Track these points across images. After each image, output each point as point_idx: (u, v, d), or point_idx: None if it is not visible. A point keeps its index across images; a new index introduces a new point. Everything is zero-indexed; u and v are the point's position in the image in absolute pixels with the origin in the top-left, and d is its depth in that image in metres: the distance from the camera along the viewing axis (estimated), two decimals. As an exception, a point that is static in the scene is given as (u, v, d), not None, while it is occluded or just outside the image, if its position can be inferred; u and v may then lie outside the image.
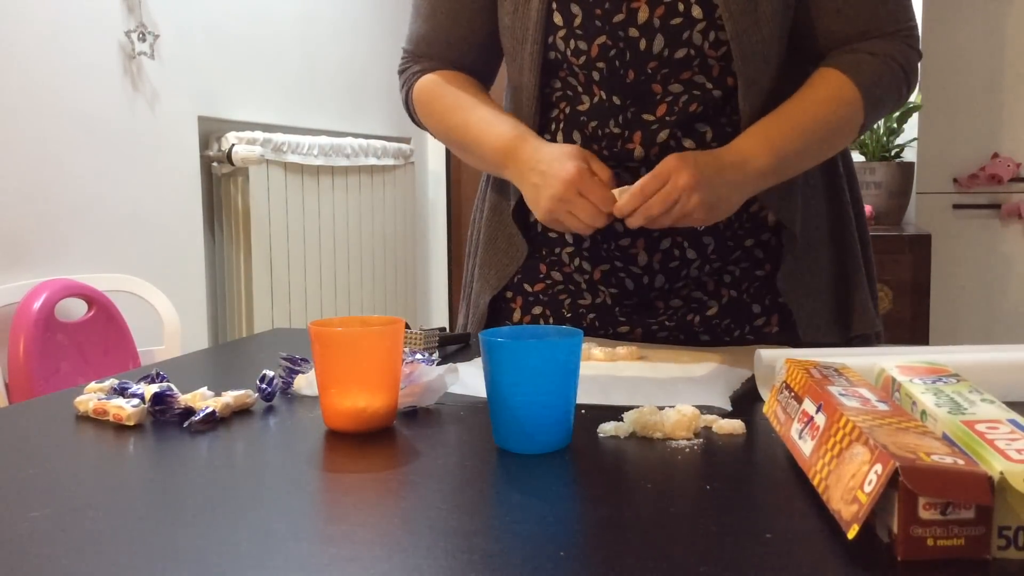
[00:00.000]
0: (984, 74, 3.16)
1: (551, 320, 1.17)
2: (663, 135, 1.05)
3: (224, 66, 2.77)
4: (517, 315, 1.19)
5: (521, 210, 1.16)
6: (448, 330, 1.15)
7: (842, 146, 1.08)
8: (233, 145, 2.65)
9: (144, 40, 2.41)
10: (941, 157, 3.21)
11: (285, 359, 0.94)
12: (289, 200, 2.93)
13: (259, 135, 2.74)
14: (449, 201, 4.23)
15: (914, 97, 3.19)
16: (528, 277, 1.18)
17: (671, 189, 0.94)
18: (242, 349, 1.20)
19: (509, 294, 1.20)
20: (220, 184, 2.75)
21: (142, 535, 0.56)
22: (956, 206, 3.21)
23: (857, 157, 3.42)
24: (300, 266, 3.01)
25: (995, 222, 3.20)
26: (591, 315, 1.15)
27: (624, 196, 0.96)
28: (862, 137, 3.30)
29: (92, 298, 2.22)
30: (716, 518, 0.57)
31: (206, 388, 0.86)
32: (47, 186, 2.18)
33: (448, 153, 4.20)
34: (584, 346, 0.91)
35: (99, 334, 2.22)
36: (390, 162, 3.54)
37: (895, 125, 3.24)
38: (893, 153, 3.29)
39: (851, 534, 0.50)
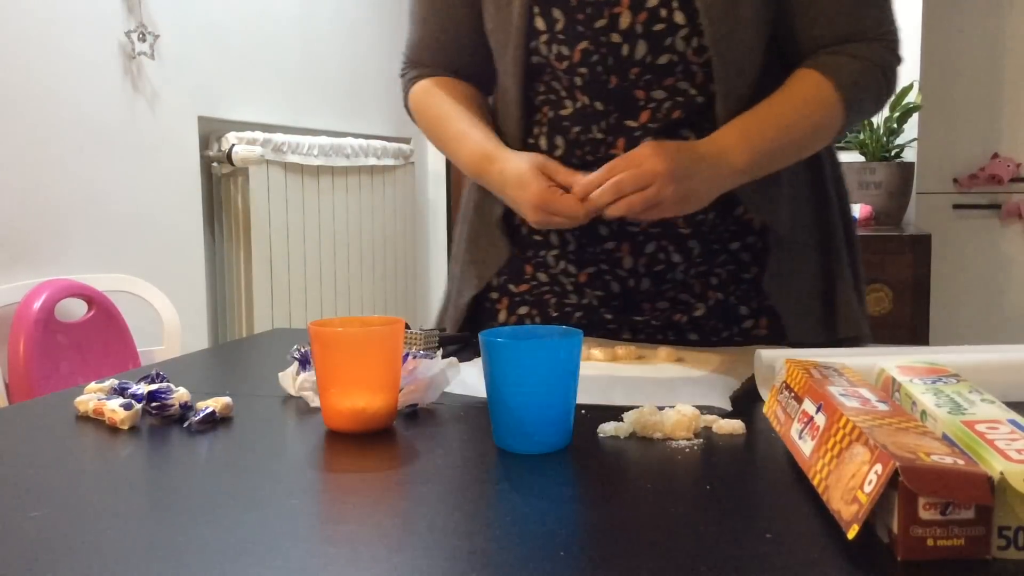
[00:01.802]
0: (984, 74, 3.16)
1: (537, 320, 1.17)
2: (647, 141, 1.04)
3: (224, 66, 2.77)
4: (503, 316, 1.19)
5: (507, 213, 1.15)
6: (447, 330, 1.15)
7: (819, 147, 1.07)
8: (233, 145, 2.65)
9: (144, 40, 2.41)
10: (941, 157, 3.21)
11: (297, 356, 0.93)
12: (289, 200, 2.93)
13: (259, 135, 2.74)
14: (449, 201, 4.23)
15: (914, 97, 3.19)
16: (513, 278, 1.18)
17: (645, 172, 0.92)
18: (242, 349, 1.20)
19: (495, 295, 1.19)
20: (220, 184, 2.75)
21: (142, 535, 0.56)
22: (956, 206, 3.21)
23: (857, 157, 3.43)
24: (300, 266, 3.01)
25: (995, 222, 3.21)
26: (578, 314, 1.15)
27: (592, 177, 0.94)
28: (861, 137, 3.31)
29: (92, 298, 2.22)
30: (716, 518, 0.57)
31: (229, 398, 0.85)
32: (47, 186, 2.18)
33: (448, 153, 4.20)
34: (584, 346, 0.91)
35: (99, 334, 2.22)
36: (390, 162, 3.54)
37: (895, 125, 3.24)
38: (893, 153, 3.29)
39: (851, 534, 0.50)
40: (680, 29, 1.00)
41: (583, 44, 1.03)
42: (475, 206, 1.20)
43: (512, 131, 1.11)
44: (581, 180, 0.95)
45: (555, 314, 1.16)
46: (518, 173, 1.00)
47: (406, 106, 1.22)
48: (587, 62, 1.03)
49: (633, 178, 0.92)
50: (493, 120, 1.16)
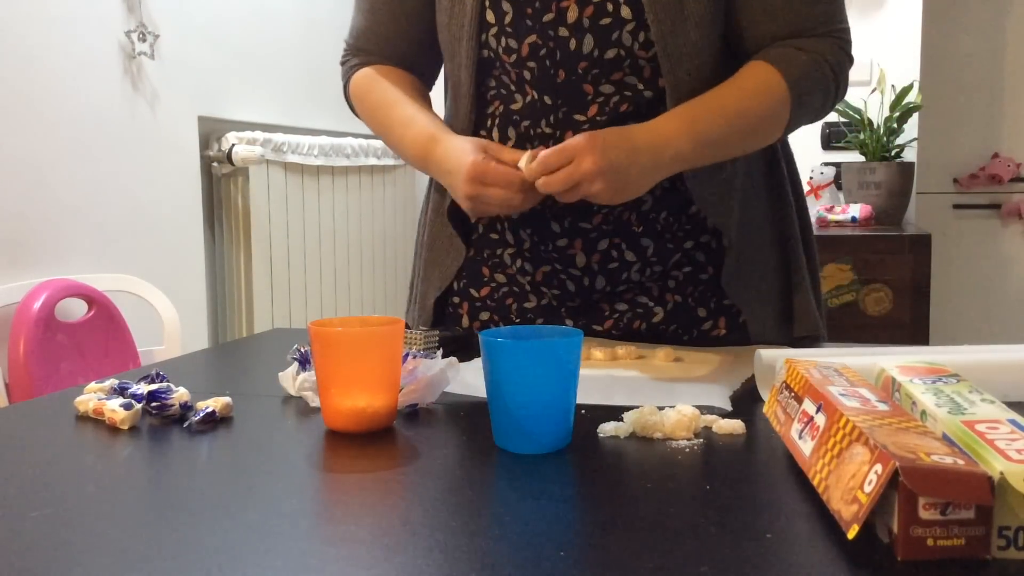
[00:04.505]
0: (984, 74, 3.16)
1: (500, 325, 1.16)
2: None
3: (224, 66, 2.77)
4: (465, 321, 1.19)
5: (458, 211, 1.15)
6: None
7: (766, 141, 1.06)
8: (233, 145, 2.65)
9: (144, 40, 2.41)
10: (941, 157, 3.21)
11: (296, 356, 0.92)
12: (289, 200, 2.93)
13: (259, 135, 2.74)
14: (449, 201, 4.22)
15: (914, 97, 3.19)
16: (473, 282, 1.18)
17: (573, 171, 0.92)
18: (242, 349, 1.20)
19: (456, 299, 1.19)
20: (220, 184, 2.75)
21: (142, 535, 0.56)
22: (956, 206, 3.21)
23: (857, 157, 3.43)
24: (300, 266, 3.01)
25: (995, 222, 3.21)
26: (539, 319, 1.15)
27: (531, 165, 0.95)
28: (861, 137, 3.31)
29: (92, 298, 2.22)
30: (716, 518, 0.57)
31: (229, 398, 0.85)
32: (47, 186, 2.18)
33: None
34: (584, 346, 0.91)
35: (99, 334, 2.22)
36: (390, 162, 3.54)
37: (895, 125, 3.24)
38: (893, 153, 3.29)
39: (851, 534, 0.50)
40: (626, 24, 1.00)
41: (531, 38, 1.03)
42: (434, 207, 1.20)
43: (463, 124, 1.11)
44: (523, 159, 0.96)
45: (517, 319, 1.16)
46: (459, 150, 1.00)
47: (346, 93, 1.21)
48: (535, 56, 1.03)
49: (562, 180, 0.93)
50: (447, 113, 1.17)
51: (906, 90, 3.19)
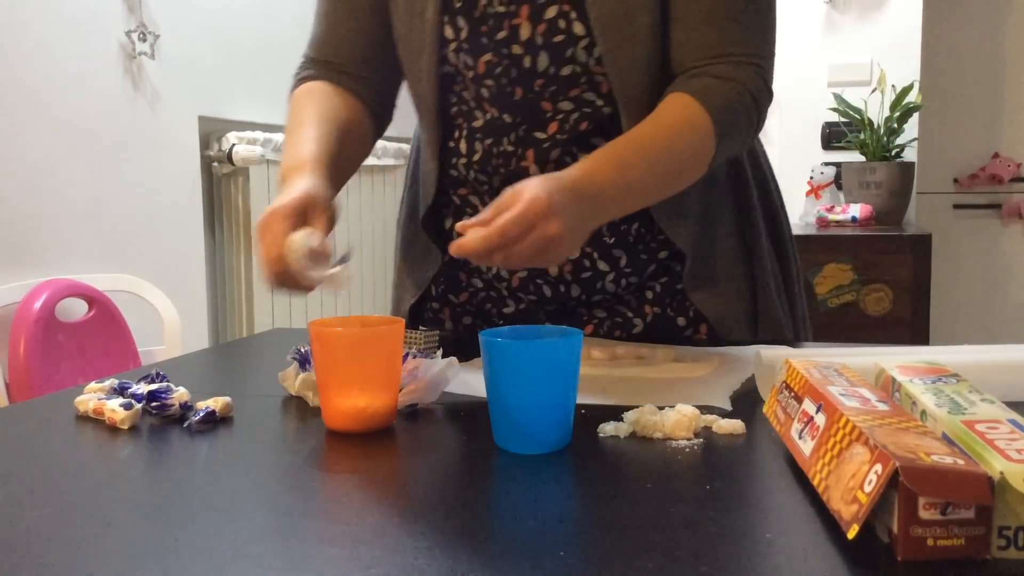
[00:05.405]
0: (984, 74, 3.17)
1: (483, 328, 1.15)
2: (556, 152, 1.02)
3: (224, 66, 2.77)
4: (448, 325, 1.19)
5: (434, 217, 1.14)
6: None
7: (690, 180, 0.98)
8: (233, 145, 2.65)
9: (144, 40, 2.42)
10: (941, 157, 3.22)
11: (296, 356, 0.92)
12: (289, 200, 2.92)
13: (259, 135, 2.74)
14: (449, 201, 4.22)
15: (914, 97, 3.19)
16: (452, 287, 1.17)
17: (538, 238, 0.80)
18: (243, 349, 1.20)
19: (436, 305, 1.19)
20: (220, 184, 2.75)
21: (142, 535, 0.56)
22: (956, 206, 3.21)
23: (857, 157, 3.43)
24: (300, 266, 3.00)
25: (995, 222, 3.21)
26: (520, 323, 1.14)
27: (483, 232, 0.80)
28: (862, 137, 3.31)
29: (92, 298, 2.22)
30: (716, 518, 0.57)
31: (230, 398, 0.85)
32: (47, 186, 2.18)
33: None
34: (584, 346, 0.91)
35: (99, 334, 2.22)
36: (390, 162, 3.54)
37: (895, 125, 3.24)
38: (893, 153, 3.29)
39: (851, 534, 0.50)
40: (580, 40, 0.98)
41: (487, 56, 1.01)
42: (409, 211, 1.19)
43: (431, 138, 1.09)
44: (304, 237, 0.86)
45: (499, 323, 1.16)
46: (291, 189, 0.90)
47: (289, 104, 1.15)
48: (492, 74, 1.02)
49: (530, 247, 0.81)
50: (417, 129, 1.13)
51: (906, 90, 3.19)
